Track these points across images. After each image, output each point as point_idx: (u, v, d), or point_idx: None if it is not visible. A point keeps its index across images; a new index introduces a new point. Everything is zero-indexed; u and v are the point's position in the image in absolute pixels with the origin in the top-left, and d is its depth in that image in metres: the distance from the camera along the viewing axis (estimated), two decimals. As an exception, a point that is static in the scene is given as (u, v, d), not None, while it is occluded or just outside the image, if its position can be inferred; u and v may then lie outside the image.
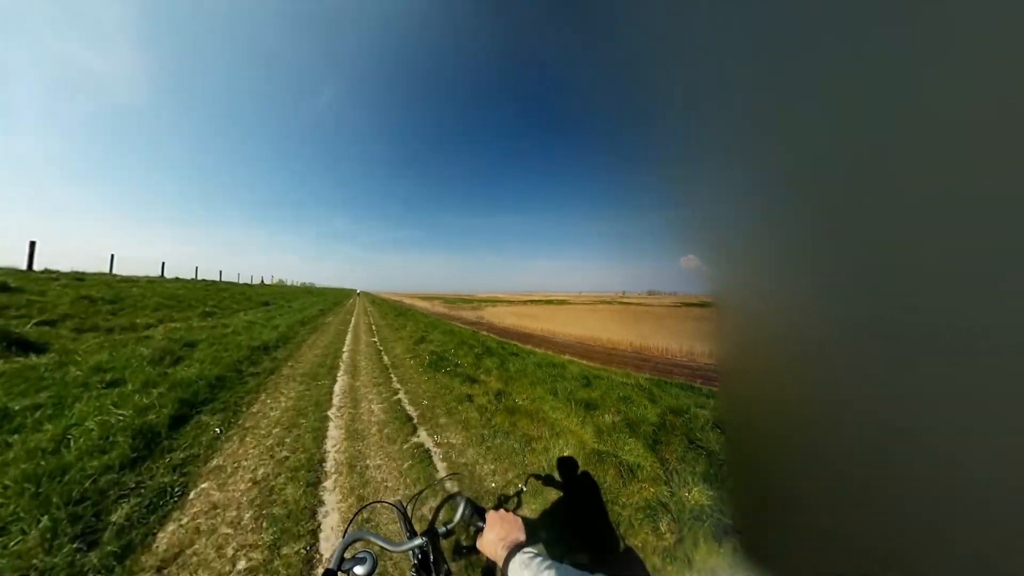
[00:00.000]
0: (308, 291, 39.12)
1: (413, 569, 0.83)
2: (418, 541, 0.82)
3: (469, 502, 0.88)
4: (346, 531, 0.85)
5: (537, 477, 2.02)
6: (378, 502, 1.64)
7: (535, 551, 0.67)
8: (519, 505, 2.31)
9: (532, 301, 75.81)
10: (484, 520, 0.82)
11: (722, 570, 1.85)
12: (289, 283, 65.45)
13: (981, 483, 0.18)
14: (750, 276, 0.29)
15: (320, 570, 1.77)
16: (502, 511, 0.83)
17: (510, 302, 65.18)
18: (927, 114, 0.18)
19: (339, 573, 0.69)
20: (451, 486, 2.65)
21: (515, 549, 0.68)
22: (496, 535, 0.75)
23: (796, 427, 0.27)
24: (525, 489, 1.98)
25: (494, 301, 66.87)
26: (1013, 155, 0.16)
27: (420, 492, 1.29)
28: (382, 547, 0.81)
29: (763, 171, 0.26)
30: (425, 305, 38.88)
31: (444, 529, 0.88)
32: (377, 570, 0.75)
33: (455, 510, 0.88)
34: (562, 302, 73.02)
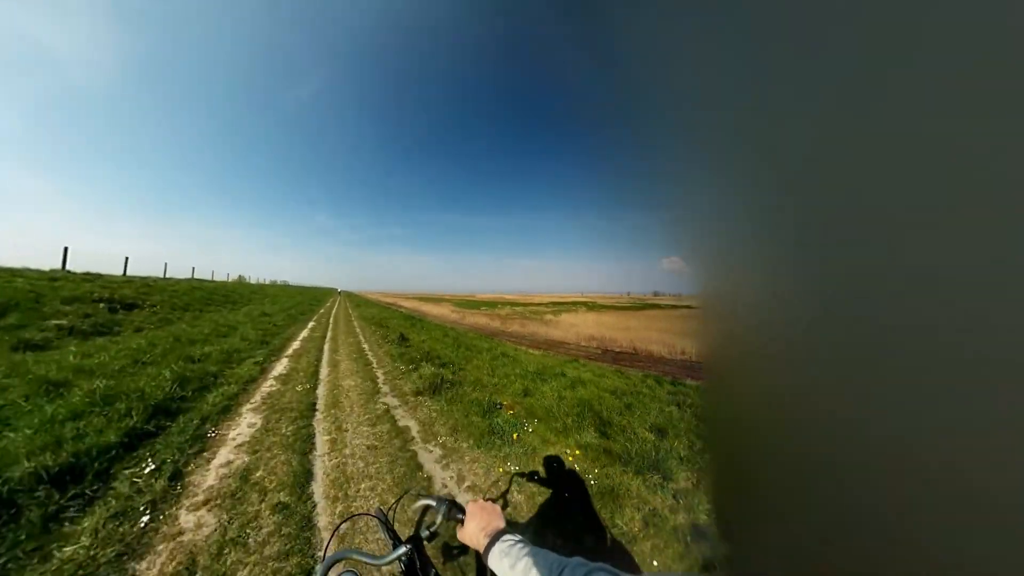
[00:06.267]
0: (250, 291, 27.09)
1: None
2: (403, 549, 0.81)
3: (447, 500, 0.85)
4: (325, 552, 0.88)
5: (522, 476, 2.52)
6: (358, 515, 1.63)
7: (515, 537, 0.67)
8: (505, 507, 2.38)
9: (558, 303, 65.64)
10: (463, 512, 0.79)
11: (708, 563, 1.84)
12: (254, 281, 53.99)
13: (961, 481, 0.19)
14: (738, 276, 0.30)
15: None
16: (481, 501, 0.80)
17: (534, 304, 55.29)
18: (912, 115, 0.19)
19: None
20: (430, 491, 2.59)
21: (495, 536, 0.68)
22: (476, 525, 0.74)
23: (777, 423, 0.28)
24: (510, 489, 2.46)
25: (513, 304, 56.79)
26: (994, 155, 0.17)
27: (399, 500, 1.19)
28: (366, 563, 0.78)
29: (751, 172, 0.27)
30: (437, 311, 29.49)
31: (428, 533, 0.85)
32: None
33: (436, 511, 0.85)
34: (594, 305, 62.16)
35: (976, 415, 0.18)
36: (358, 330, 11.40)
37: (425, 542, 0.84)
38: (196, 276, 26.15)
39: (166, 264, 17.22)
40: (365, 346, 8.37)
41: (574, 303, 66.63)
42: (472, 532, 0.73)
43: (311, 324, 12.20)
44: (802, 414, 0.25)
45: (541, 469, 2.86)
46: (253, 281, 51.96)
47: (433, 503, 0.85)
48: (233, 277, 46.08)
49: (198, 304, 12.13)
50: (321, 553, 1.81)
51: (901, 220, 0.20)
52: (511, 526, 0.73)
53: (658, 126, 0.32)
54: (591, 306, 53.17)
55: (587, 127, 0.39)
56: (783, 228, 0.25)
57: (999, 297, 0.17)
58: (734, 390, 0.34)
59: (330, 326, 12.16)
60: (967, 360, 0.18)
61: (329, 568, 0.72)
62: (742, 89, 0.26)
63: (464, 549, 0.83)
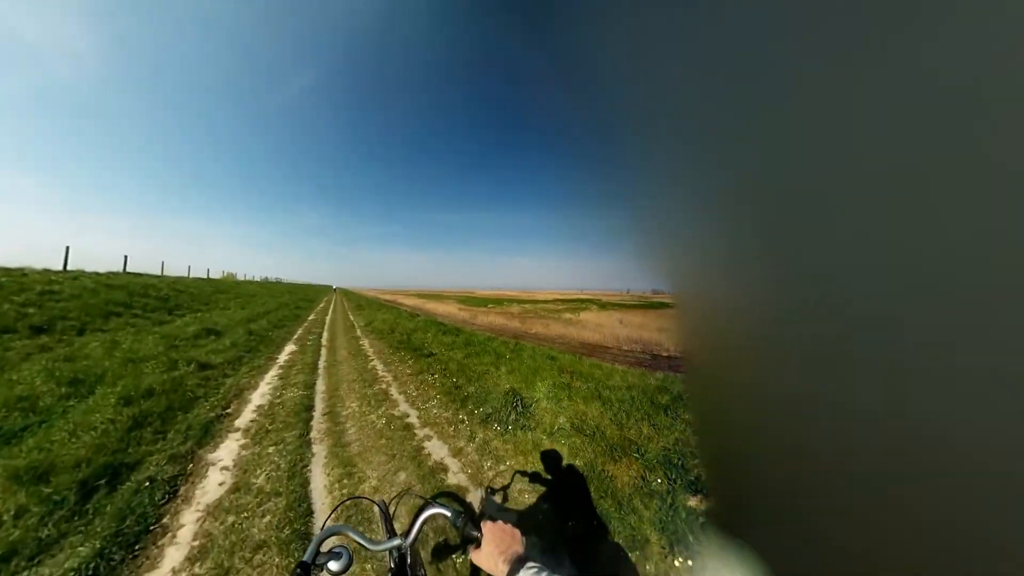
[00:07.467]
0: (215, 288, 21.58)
1: (389, 573, 0.81)
2: (397, 542, 0.80)
3: (461, 512, 0.79)
4: (324, 524, 0.86)
5: (522, 474, 2.40)
6: (359, 497, 1.67)
7: (539, 565, 0.63)
8: (505, 500, 2.29)
9: (564, 300, 61.34)
10: (479, 531, 0.74)
11: (701, 548, 1.76)
12: (247, 278, 48.95)
13: (942, 469, 0.20)
14: (714, 273, 0.31)
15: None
16: (499, 523, 0.76)
17: (542, 301, 51.01)
18: (880, 116, 0.20)
19: (313, 566, 0.67)
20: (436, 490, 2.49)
21: (518, 563, 0.65)
22: (495, 548, 0.70)
23: (756, 413, 0.29)
24: (509, 485, 2.33)
25: (519, 301, 52.43)
26: (961, 155, 0.18)
27: (404, 492, 1.20)
28: (360, 544, 0.78)
29: (724, 172, 0.28)
30: (443, 309, 25.13)
31: (426, 534, 0.88)
32: (353, 568, 0.71)
33: (446, 520, 0.80)
34: (603, 303, 58.07)
35: (944, 402, 0.19)
36: (379, 368, 6.06)
37: (420, 544, 0.80)
38: (155, 271, 20.42)
39: (68, 248, 11.66)
40: (447, 461, 2.95)
41: (582, 300, 62.40)
42: (489, 556, 0.69)
43: (288, 350, 7.19)
44: (778, 404, 0.26)
45: (541, 467, 2.77)
46: (245, 278, 46.56)
47: (448, 513, 0.79)
48: (232, 274, 41.79)
49: (88, 315, 7.01)
50: (320, 526, 1.81)
51: (868, 218, 0.20)
52: (528, 549, 0.72)
53: (637, 129, 0.33)
54: (602, 304, 49.06)
55: (572, 132, 0.41)
56: (756, 227, 0.25)
57: (964, 292, 0.18)
58: (712, 381, 0.34)
59: (322, 357, 7.00)
60: (933, 351, 0.19)
61: (325, 538, 0.73)
62: (720, 91, 0.26)
63: (456, 548, 0.75)
